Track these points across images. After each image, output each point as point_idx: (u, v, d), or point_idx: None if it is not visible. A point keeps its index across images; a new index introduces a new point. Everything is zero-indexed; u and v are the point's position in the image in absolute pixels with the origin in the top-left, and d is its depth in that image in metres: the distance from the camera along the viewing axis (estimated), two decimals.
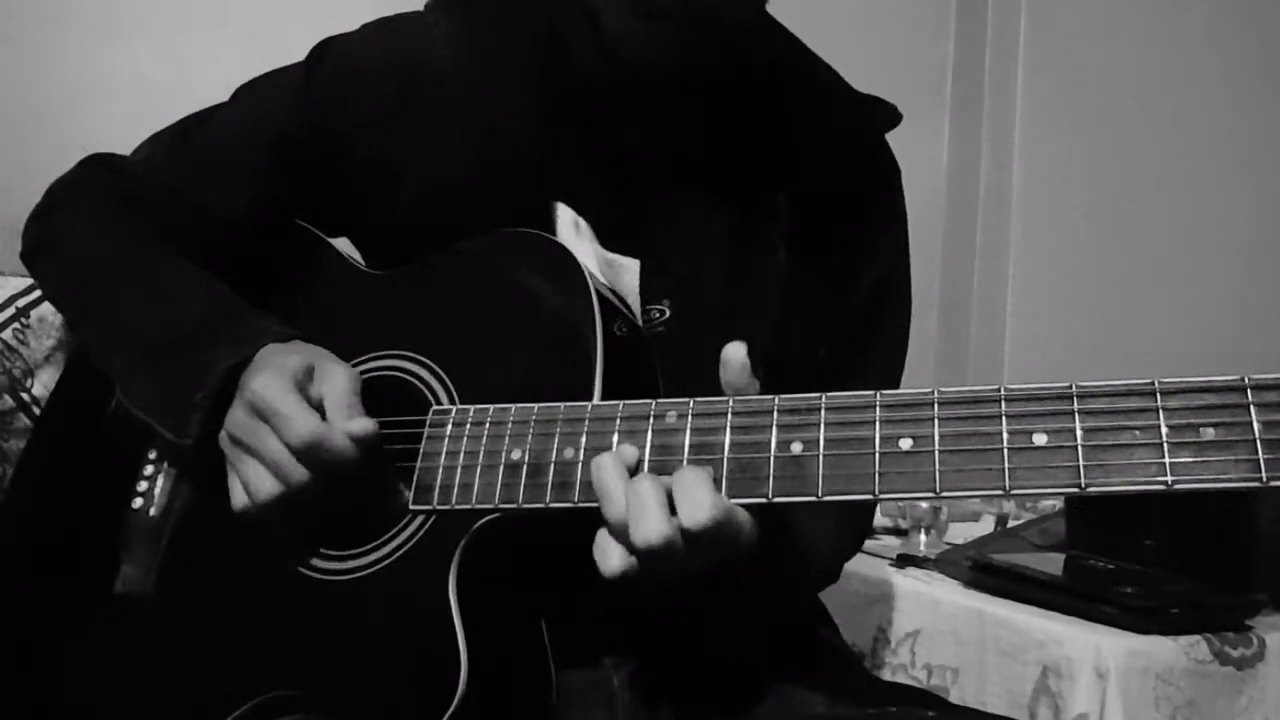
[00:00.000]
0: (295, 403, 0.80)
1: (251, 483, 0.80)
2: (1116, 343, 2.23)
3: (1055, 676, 1.39)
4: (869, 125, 0.96)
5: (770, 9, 1.00)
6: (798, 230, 0.93)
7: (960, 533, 1.84)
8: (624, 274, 0.94)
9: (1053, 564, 1.58)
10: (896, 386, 0.96)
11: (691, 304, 0.93)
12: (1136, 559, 1.55)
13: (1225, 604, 1.46)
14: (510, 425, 0.78)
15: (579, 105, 0.95)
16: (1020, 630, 1.44)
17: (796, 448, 0.69)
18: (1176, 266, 2.21)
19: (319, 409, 0.81)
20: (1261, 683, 1.42)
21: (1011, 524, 1.85)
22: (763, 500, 0.69)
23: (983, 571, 1.55)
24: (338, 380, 0.83)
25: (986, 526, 1.89)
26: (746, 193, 0.95)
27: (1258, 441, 0.60)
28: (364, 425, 0.80)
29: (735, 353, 0.73)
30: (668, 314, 0.93)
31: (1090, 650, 1.35)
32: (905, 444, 0.67)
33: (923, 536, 1.79)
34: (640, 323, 0.92)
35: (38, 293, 1.57)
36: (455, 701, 0.73)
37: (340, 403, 0.82)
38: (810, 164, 0.94)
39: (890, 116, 0.96)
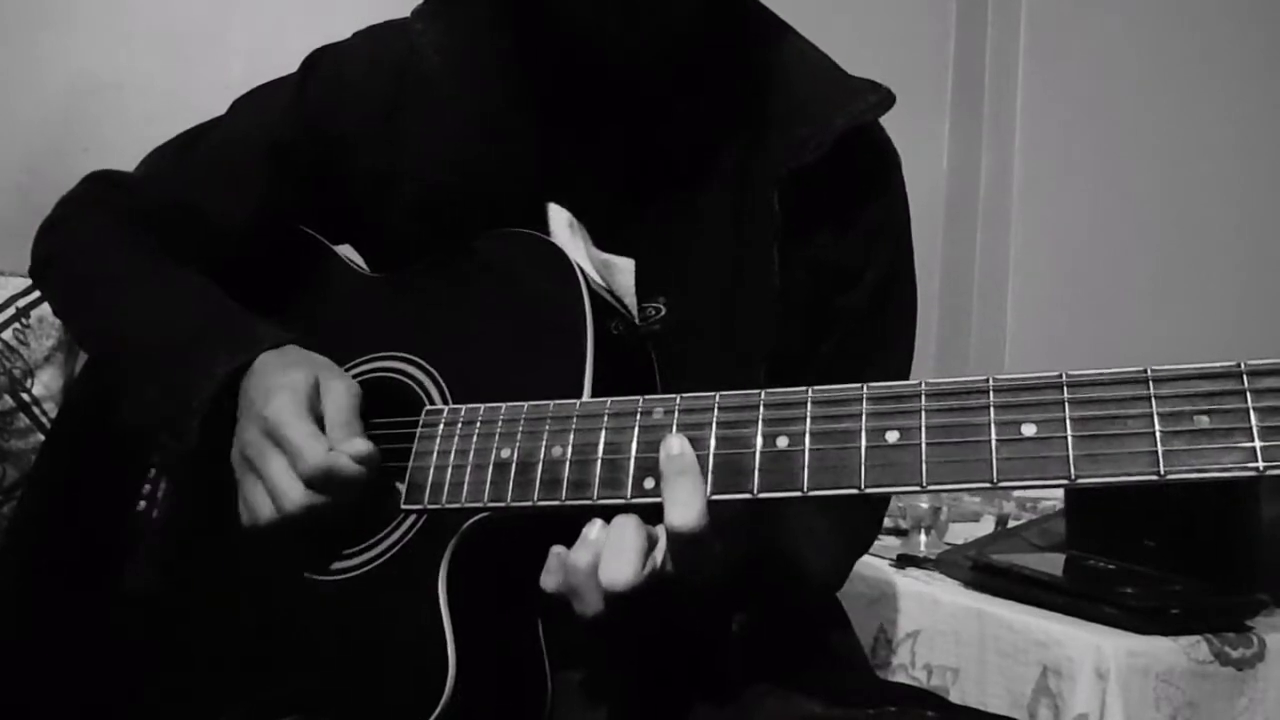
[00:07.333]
0: (305, 431, 0.80)
1: (254, 506, 0.81)
2: (1117, 340, 2.22)
3: (1055, 677, 1.38)
4: (862, 103, 0.95)
5: (771, 9, 1.00)
6: (793, 225, 0.93)
7: (960, 533, 1.84)
8: (619, 274, 0.94)
9: (1053, 564, 1.57)
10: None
11: (686, 299, 0.93)
12: (1137, 559, 1.55)
13: (1225, 604, 1.46)
14: (500, 424, 0.78)
15: (567, 104, 0.95)
16: (1020, 630, 1.44)
17: (782, 442, 0.68)
18: (1176, 263, 2.21)
19: (321, 425, 0.82)
20: (1261, 683, 1.41)
21: (1011, 524, 1.85)
22: (748, 496, 0.69)
23: (983, 571, 1.54)
24: (338, 397, 0.83)
25: (987, 527, 1.89)
26: (741, 181, 0.94)
27: (1254, 429, 0.58)
28: (358, 447, 0.80)
29: None
30: (663, 310, 0.93)
31: (1090, 650, 1.35)
32: (892, 436, 0.65)
33: (923, 537, 1.78)
34: (637, 321, 0.92)
35: (38, 293, 1.57)
36: (443, 701, 0.73)
37: (338, 420, 0.82)
38: (803, 142, 0.92)
39: (884, 99, 0.94)
